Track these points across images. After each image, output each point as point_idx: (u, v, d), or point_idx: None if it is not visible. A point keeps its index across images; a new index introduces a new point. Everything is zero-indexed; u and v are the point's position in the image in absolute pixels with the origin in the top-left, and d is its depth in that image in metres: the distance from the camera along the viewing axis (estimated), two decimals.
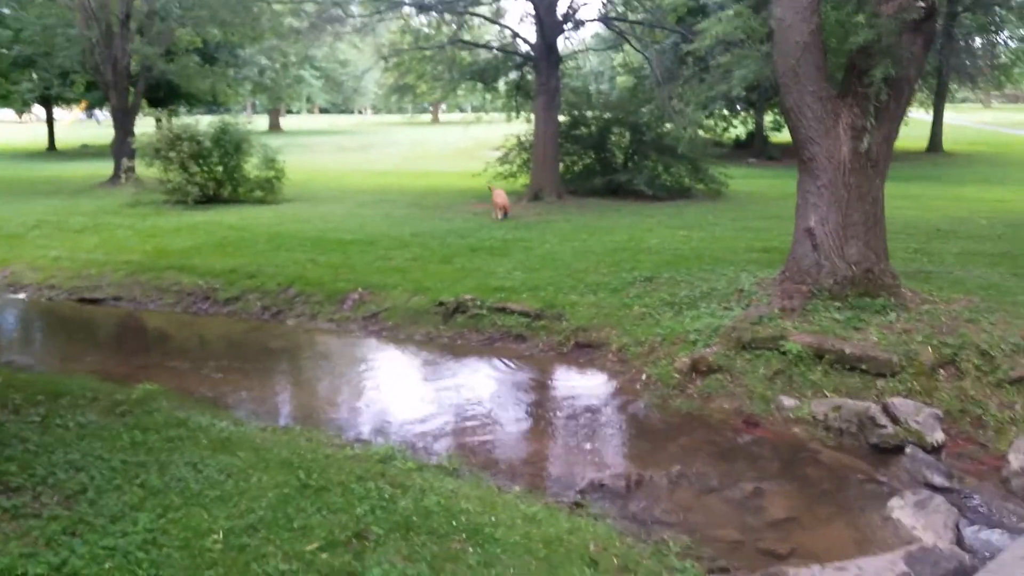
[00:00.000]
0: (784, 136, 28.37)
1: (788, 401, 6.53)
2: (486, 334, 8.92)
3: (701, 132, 20.68)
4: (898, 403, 6.03)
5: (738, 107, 31.57)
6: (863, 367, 6.63)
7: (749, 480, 5.38)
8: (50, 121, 41.85)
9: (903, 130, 8.11)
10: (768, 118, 33.30)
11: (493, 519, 4.27)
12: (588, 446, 6.14)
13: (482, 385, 7.59)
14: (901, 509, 4.84)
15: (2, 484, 4.41)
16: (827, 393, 6.56)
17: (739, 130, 36.30)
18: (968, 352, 6.59)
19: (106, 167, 23.08)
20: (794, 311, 7.46)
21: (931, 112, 34.17)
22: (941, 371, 6.56)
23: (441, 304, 9.35)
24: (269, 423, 6.28)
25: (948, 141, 34.21)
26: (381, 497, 4.40)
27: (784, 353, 6.91)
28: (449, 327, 9.12)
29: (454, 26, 19.77)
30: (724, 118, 34.51)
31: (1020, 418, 6.04)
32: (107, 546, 3.68)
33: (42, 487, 4.39)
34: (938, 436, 5.83)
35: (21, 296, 11.36)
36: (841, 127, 7.34)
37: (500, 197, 14.90)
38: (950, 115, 40.75)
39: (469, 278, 10.10)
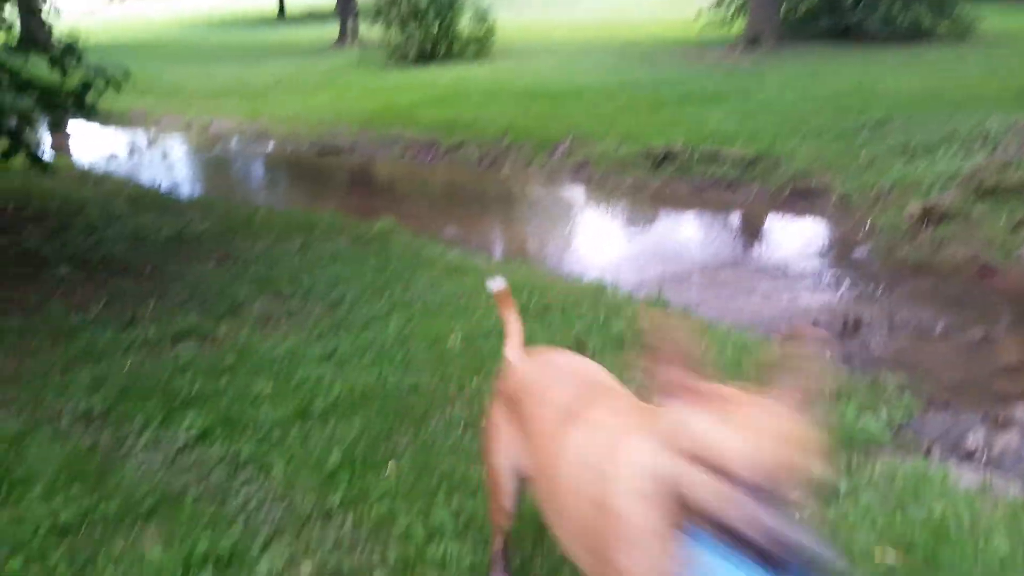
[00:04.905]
0: None
1: None
2: (696, 182, 8.81)
3: None
4: None
5: None
6: None
7: (978, 327, 5.10)
8: None
9: None
10: None
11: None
12: (801, 289, 6.05)
13: (690, 231, 7.62)
14: None
15: (277, 292, 5.26)
16: None
17: None
18: None
19: (332, 31, 24.41)
20: None
21: None
22: None
23: (649, 152, 9.31)
24: (489, 258, 6.79)
25: None
26: (596, 318, 4.72)
27: None
28: (657, 175, 9.10)
29: None
30: None
31: None
32: (366, 340, 4.33)
33: (308, 296, 5.18)
34: None
35: (269, 146, 12.70)
36: None
37: None
38: None
39: (679, 126, 9.91)
